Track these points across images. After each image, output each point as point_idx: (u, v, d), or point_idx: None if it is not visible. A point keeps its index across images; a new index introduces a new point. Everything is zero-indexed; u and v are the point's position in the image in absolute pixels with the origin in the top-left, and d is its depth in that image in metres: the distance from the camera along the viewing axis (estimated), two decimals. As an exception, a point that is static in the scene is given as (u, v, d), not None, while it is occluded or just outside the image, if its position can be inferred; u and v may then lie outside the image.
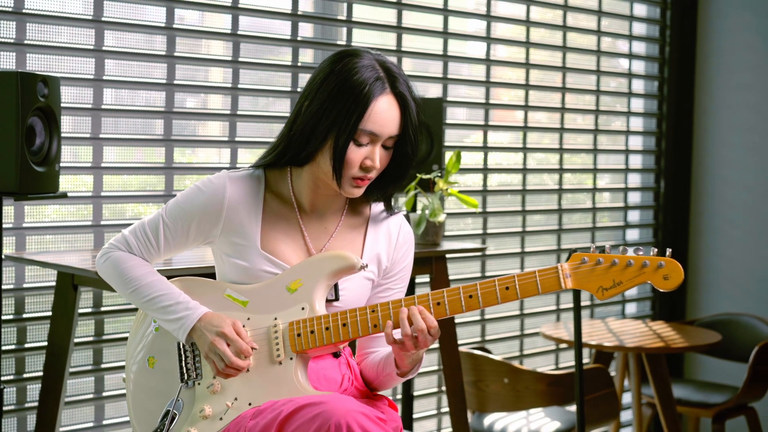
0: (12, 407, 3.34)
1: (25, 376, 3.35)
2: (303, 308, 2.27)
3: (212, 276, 2.42)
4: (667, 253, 2.16)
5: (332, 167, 2.23)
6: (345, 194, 2.29)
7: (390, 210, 2.41)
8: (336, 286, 2.32)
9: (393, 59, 4.22)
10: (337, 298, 2.32)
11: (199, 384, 2.29)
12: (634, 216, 5.50)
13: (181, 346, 2.31)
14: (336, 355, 2.37)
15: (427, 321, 2.17)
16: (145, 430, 2.34)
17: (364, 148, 2.23)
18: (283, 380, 2.24)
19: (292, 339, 2.25)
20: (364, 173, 2.25)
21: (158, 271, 2.37)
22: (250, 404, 2.24)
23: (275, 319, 2.27)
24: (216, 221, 2.30)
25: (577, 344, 3.31)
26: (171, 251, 2.37)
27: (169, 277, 2.36)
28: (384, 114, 2.21)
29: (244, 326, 2.27)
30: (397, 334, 2.22)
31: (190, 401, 2.29)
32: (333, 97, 2.20)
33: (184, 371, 2.31)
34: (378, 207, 2.42)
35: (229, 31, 3.75)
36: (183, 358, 2.31)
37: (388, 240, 2.39)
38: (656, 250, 2.16)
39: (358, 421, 2.01)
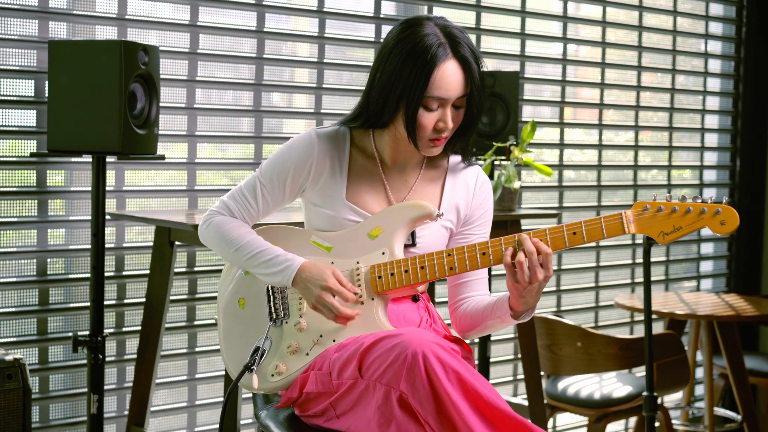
0: (113, 358, 3.57)
1: (124, 329, 3.59)
2: (383, 253, 2.44)
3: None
4: (725, 201, 2.29)
5: (407, 133, 2.41)
6: (424, 154, 2.46)
7: (467, 160, 2.57)
8: (413, 233, 2.49)
9: (472, 37, 4.38)
10: (414, 244, 2.49)
11: (286, 322, 2.48)
12: (709, 194, 5.59)
13: (270, 288, 2.50)
14: (415, 299, 2.54)
15: (537, 246, 2.30)
16: (236, 365, 2.53)
17: (434, 112, 2.39)
18: (365, 318, 2.42)
19: (373, 281, 2.43)
20: (438, 134, 2.42)
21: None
22: (334, 340, 2.42)
23: (357, 263, 2.46)
24: (307, 174, 2.49)
25: (647, 306, 3.43)
26: (269, 209, 2.55)
27: (258, 225, 2.56)
28: (448, 78, 2.36)
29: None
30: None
31: (278, 338, 2.48)
32: (399, 68, 2.36)
33: (273, 311, 2.49)
34: (455, 159, 2.59)
35: (315, 9, 3.95)
36: (272, 299, 2.50)
37: (466, 189, 2.56)
38: (713, 198, 2.30)
39: (433, 350, 2.17)
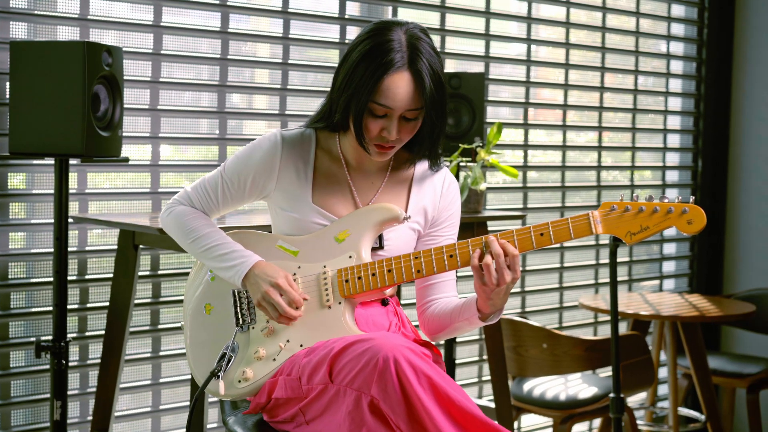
0: (75, 363, 3.52)
1: (87, 334, 3.54)
2: (350, 256, 2.43)
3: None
4: (691, 200, 2.29)
5: (355, 136, 2.38)
6: (373, 158, 2.44)
7: (435, 167, 2.55)
8: (381, 236, 2.48)
9: (436, 38, 4.37)
10: (381, 247, 2.47)
11: (253, 328, 2.46)
12: (671, 194, 5.61)
13: (236, 293, 2.48)
14: (384, 303, 2.52)
15: (505, 248, 2.29)
16: (202, 372, 2.50)
17: (380, 119, 2.35)
18: (332, 323, 2.40)
19: (340, 285, 2.41)
20: (383, 141, 2.38)
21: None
22: (301, 345, 2.40)
23: (324, 267, 2.44)
24: (270, 177, 2.47)
25: (613, 307, 3.43)
26: (229, 206, 2.54)
27: (225, 230, 2.54)
28: (396, 89, 2.31)
29: (294, 275, 2.44)
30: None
31: (245, 344, 2.45)
32: (354, 68, 2.34)
33: (239, 316, 2.47)
34: (422, 165, 2.57)
35: (279, 9, 3.92)
36: (238, 304, 2.47)
37: (433, 191, 2.54)
38: (680, 197, 2.30)
39: (405, 355, 2.15)
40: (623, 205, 2.31)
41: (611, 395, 3.47)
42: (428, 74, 2.33)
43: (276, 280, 2.37)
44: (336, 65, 4.00)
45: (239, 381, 2.42)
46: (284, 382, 2.34)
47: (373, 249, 2.46)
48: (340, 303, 2.41)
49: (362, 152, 2.47)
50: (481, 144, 3.74)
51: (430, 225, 2.55)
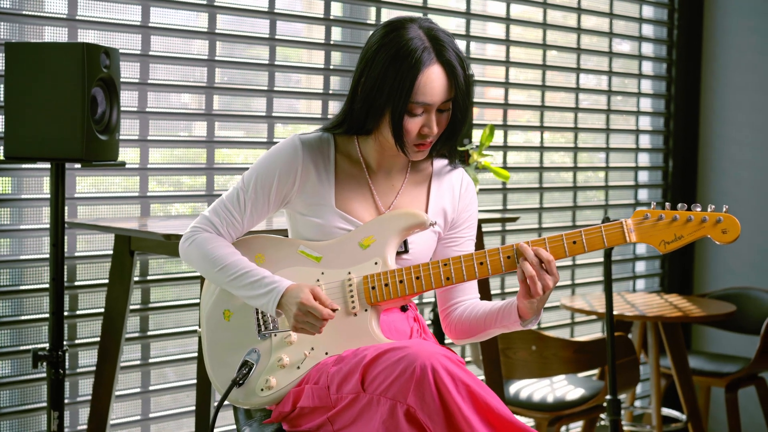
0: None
1: (77, 342, 3.46)
2: (376, 263, 2.38)
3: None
4: (724, 209, 2.28)
5: (394, 139, 2.35)
6: (411, 159, 2.42)
7: (453, 163, 2.54)
8: (405, 240, 2.44)
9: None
10: (407, 251, 2.44)
11: (275, 335, 2.40)
12: (643, 194, 5.64)
13: (256, 300, 2.42)
14: (404, 308, 2.49)
15: (538, 254, 2.28)
16: (222, 381, 2.44)
17: (419, 117, 2.33)
18: (359, 331, 2.36)
19: (366, 292, 2.37)
20: (423, 139, 2.37)
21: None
22: (326, 353, 2.35)
23: (349, 273, 2.39)
24: (292, 182, 2.41)
25: (609, 309, 3.43)
26: (253, 221, 2.46)
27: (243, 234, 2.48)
28: (432, 84, 2.30)
29: (318, 281, 2.38)
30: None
31: (267, 351, 2.39)
32: (383, 73, 2.30)
33: (261, 323, 2.41)
34: (439, 163, 2.54)
35: (266, 10, 3.86)
36: (259, 311, 2.41)
37: (452, 192, 2.52)
38: (713, 206, 2.29)
39: (442, 363, 2.12)
40: (656, 213, 2.29)
41: (608, 397, 3.49)
42: (457, 62, 2.33)
43: (300, 299, 2.28)
44: (319, 66, 4.01)
45: (262, 389, 2.37)
46: (311, 391, 2.29)
47: (398, 253, 2.43)
48: (366, 310, 2.37)
49: (383, 154, 2.45)
50: (473, 146, 3.72)
51: (450, 227, 2.53)
